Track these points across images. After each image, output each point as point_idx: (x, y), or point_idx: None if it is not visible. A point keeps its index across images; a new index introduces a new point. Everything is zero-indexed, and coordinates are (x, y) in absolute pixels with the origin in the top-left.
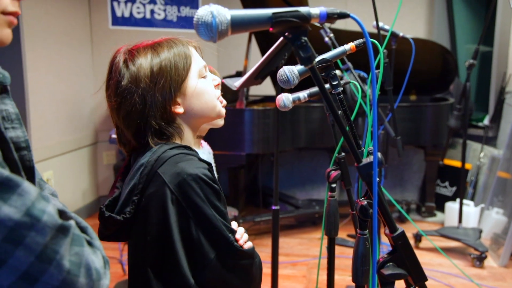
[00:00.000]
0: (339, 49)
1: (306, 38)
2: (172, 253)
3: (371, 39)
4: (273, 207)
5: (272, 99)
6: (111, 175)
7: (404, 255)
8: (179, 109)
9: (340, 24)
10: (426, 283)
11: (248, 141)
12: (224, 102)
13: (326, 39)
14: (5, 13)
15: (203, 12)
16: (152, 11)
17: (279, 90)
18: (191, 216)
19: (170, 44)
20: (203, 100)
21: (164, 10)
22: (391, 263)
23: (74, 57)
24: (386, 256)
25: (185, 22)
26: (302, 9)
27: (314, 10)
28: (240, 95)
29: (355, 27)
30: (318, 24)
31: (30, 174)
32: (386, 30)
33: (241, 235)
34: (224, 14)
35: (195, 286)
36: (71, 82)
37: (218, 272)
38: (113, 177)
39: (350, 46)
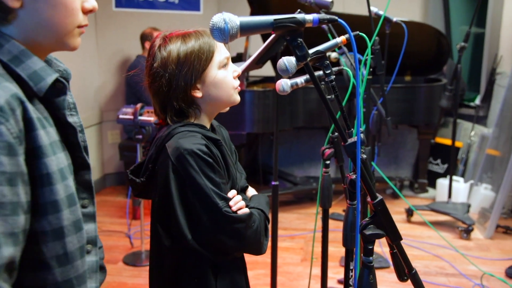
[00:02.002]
0: (332, 42)
1: (301, 40)
2: (173, 213)
3: (360, 33)
4: (273, 183)
5: (271, 79)
6: (116, 153)
7: (382, 218)
8: (198, 93)
9: (337, 7)
10: (416, 254)
11: (249, 121)
12: (238, 88)
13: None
14: (80, 26)
15: (217, 19)
16: None
17: (278, 74)
18: (187, 184)
19: (198, 35)
20: (220, 88)
21: None
22: (372, 225)
23: None
24: (367, 219)
25: (187, 4)
26: (298, 16)
27: (308, 16)
28: (241, 77)
29: (352, 10)
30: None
31: (86, 151)
32: (381, 16)
33: (235, 202)
34: (235, 20)
35: (192, 241)
36: (75, 63)
37: (211, 233)
38: (117, 155)
39: (341, 39)
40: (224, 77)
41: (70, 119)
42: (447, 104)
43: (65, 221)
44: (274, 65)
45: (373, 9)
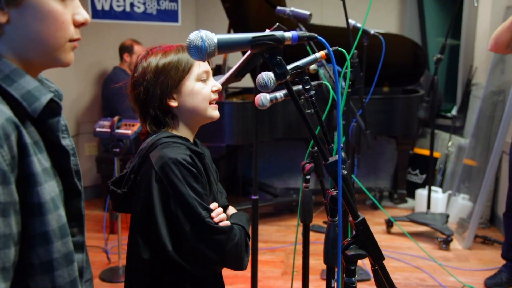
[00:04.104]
0: (311, 57)
1: (280, 57)
2: (154, 223)
3: (339, 48)
4: (253, 197)
5: (250, 91)
6: (93, 166)
7: (364, 238)
8: (173, 103)
9: (316, 20)
10: (397, 265)
11: (228, 133)
12: (216, 105)
13: None
14: (71, 40)
15: (194, 37)
16: (131, 4)
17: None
18: (171, 193)
19: (179, 49)
20: (195, 100)
21: (144, 3)
22: (354, 246)
23: None
24: (350, 239)
25: (165, 15)
26: (277, 33)
27: (287, 34)
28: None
29: (330, 22)
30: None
31: (78, 176)
32: (359, 28)
33: (217, 214)
34: (212, 38)
35: (172, 252)
36: (51, 74)
37: (193, 243)
38: (95, 168)
39: (320, 54)
40: (201, 89)
41: (63, 142)
42: (424, 115)
43: (56, 254)
44: (253, 76)
45: (351, 21)
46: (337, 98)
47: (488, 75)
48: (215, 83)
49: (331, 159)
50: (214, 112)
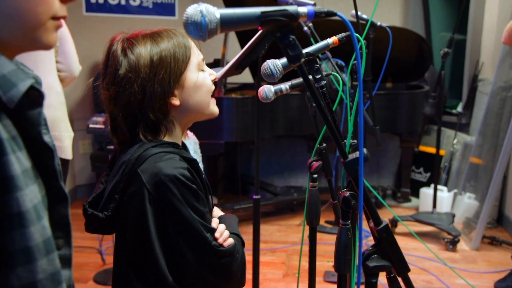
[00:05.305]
0: (322, 43)
1: (294, 37)
2: (150, 252)
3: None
4: (254, 197)
5: (249, 86)
6: (88, 164)
7: (388, 248)
8: (175, 101)
9: None
10: None
11: (227, 130)
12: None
13: (305, 28)
14: (55, 18)
15: (193, 11)
16: None
17: (259, 80)
18: (168, 217)
19: (170, 34)
20: (200, 94)
21: None
22: (375, 255)
23: None
24: (371, 248)
25: (161, 9)
26: (291, 8)
27: (302, 9)
28: (219, 84)
29: (332, 18)
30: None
31: (61, 178)
32: (364, 19)
33: (221, 233)
34: (214, 13)
35: (173, 284)
36: None
37: (196, 271)
38: (89, 166)
39: (333, 39)
40: (204, 80)
41: (45, 138)
42: (430, 112)
43: (40, 274)
44: (253, 71)
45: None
46: (359, 93)
47: (496, 70)
48: (211, 71)
49: (350, 157)
50: (215, 108)
